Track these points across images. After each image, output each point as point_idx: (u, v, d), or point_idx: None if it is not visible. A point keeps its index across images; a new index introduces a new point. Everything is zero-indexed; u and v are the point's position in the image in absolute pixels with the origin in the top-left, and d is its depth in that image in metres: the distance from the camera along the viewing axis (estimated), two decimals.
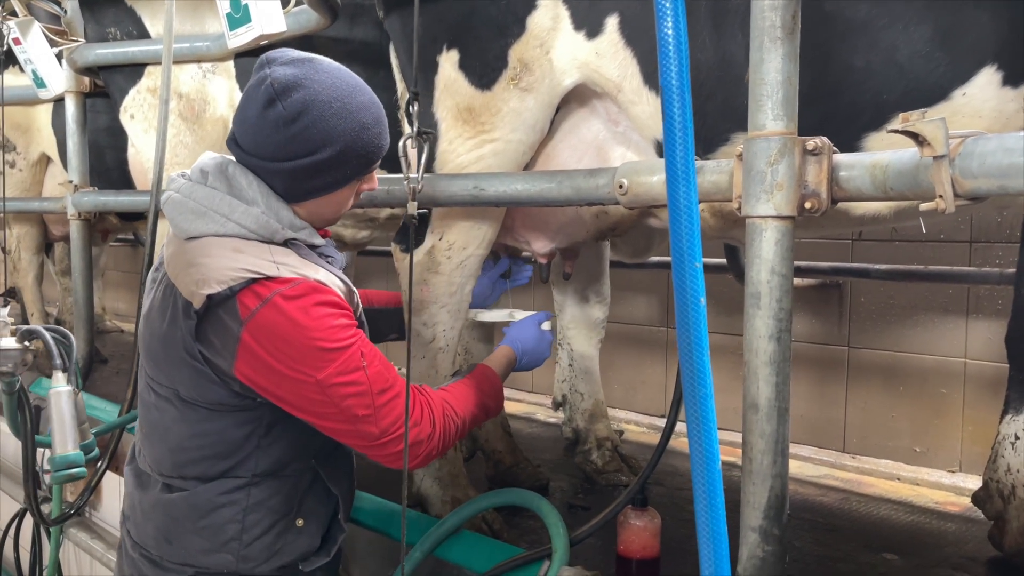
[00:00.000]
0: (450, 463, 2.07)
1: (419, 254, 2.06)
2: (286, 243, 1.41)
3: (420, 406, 1.44)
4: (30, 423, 2.07)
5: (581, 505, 2.37)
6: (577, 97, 1.94)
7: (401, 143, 1.40)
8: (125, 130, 3.10)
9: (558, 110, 1.94)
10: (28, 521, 3.32)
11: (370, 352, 1.38)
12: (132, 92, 2.97)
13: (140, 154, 3.06)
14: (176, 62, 2.71)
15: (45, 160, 4.13)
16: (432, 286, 2.02)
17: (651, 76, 1.72)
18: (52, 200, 3.68)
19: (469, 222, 1.99)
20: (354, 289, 1.50)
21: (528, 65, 1.86)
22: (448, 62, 1.96)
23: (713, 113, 1.65)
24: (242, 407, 1.40)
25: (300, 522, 1.49)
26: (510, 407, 3.37)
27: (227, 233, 1.37)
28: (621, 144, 1.94)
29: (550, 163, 2.02)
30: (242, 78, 2.81)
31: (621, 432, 3.04)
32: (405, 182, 1.32)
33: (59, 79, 3.16)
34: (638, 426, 3.53)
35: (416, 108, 1.38)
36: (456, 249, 2.00)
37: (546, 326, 1.89)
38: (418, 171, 1.38)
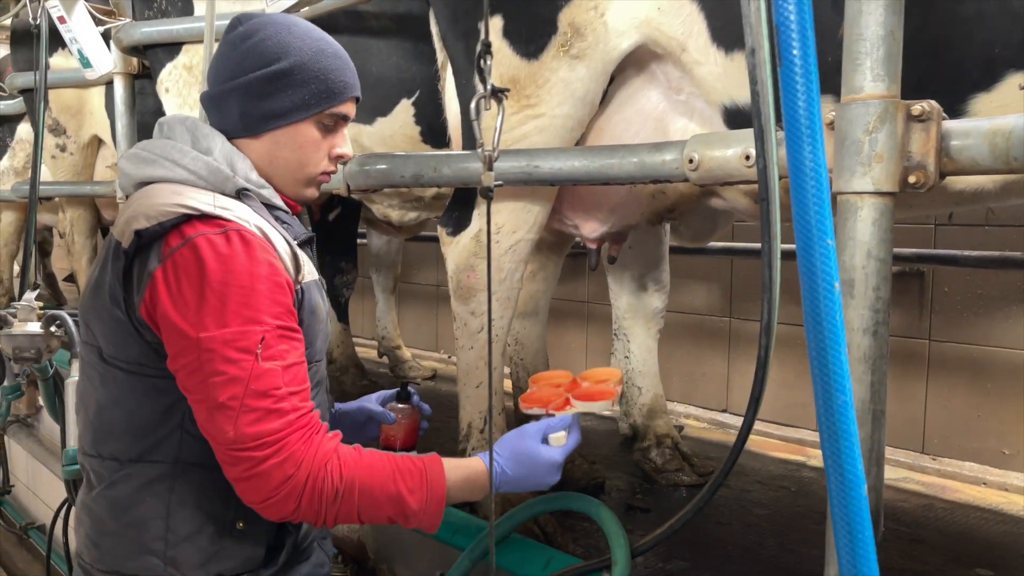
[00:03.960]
0: None
1: (465, 238, 1.92)
2: (238, 195, 1.25)
3: (300, 440, 1.15)
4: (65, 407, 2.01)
5: (640, 507, 2.22)
6: (633, 63, 1.78)
7: (473, 103, 1.21)
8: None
9: (611, 81, 1.78)
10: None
11: (279, 350, 1.15)
12: (169, 66, 2.91)
13: None
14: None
15: (96, 143, 4.12)
16: (480, 272, 1.88)
17: (719, 32, 1.55)
18: (103, 184, 3.66)
19: (519, 203, 1.85)
20: (303, 264, 1.26)
21: (580, 30, 1.70)
22: (491, 29, 1.81)
23: None
24: (162, 372, 1.20)
25: (240, 525, 1.26)
26: None
27: (174, 179, 1.24)
28: (683, 115, 1.77)
29: (601, 139, 1.87)
30: None
31: (681, 427, 2.88)
32: (479, 149, 1.15)
33: (106, 59, 3.11)
34: (698, 421, 3.35)
35: (489, 63, 1.20)
36: (505, 233, 1.86)
37: (556, 439, 1.34)
38: (495, 136, 1.17)
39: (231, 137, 1.30)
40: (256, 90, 1.27)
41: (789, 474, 2.63)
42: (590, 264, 2.10)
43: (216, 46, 1.38)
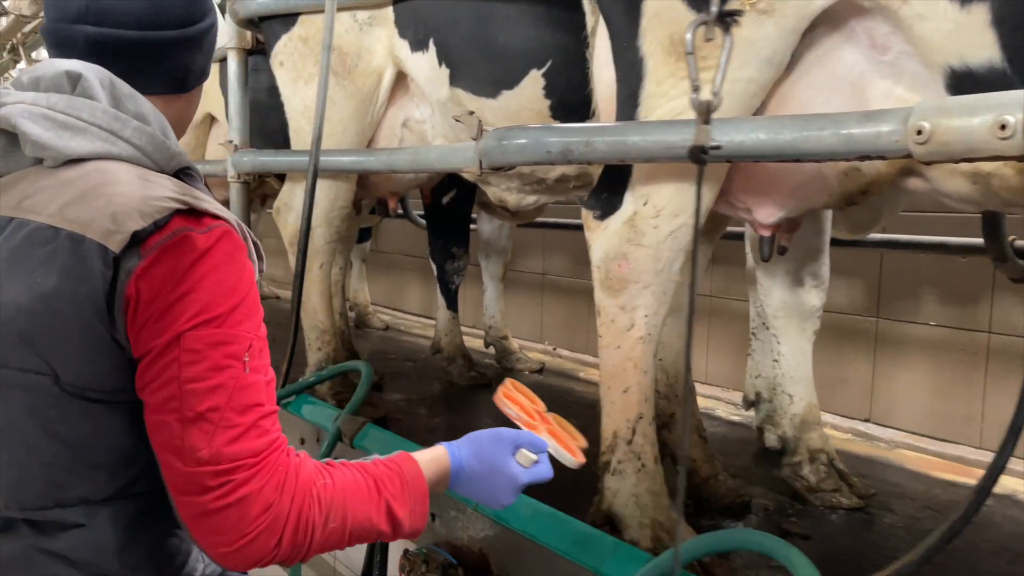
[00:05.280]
0: (650, 477, 1.71)
1: (616, 222, 1.69)
2: (178, 174, 1.10)
3: (282, 462, 1.00)
4: None
5: (798, 533, 1.95)
6: (827, 20, 1.50)
7: (689, 34, 0.97)
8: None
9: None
10: None
11: (262, 363, 1.02)
12: (284, 38, 2.78)
13: (287, 104, 2.86)
14: (339, 9, 2.48)
15: (209, 121, 4.08)
16: (633, 261, 1.65)
17: None
18: (214, 163, 3.59)
19: (683, 183, 1.60)
20: (264, 255, 1.15)
21: None
22: None
23: None
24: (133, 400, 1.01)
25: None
26: None
27: (119, 155, 1.04)
28: (887, 77, 1.49)
29: (785, 107, 1.60)
30: (402, 22, 2.53)
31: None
32: (692, 95, 0.91)
33: (223, 32, 3.00)
34: (837, 431, 3.02)
35: None
36: (665, 216, 1.62)
37: (526, 458, 1.20)
38: (719, 77, 0.92)
39: (147, 93, 1.11)
40: (200, 42, 1.17)
41: (960, 499, 2.30)
42: (762, 254, 1.83)
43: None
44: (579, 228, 4.24)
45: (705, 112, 0.91)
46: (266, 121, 3.61)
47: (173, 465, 0.96)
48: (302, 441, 2.88)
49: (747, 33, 1.47)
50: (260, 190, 4.24)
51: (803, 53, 1.55)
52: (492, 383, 3.46)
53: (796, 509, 2.12)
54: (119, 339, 0.98)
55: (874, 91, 1.49)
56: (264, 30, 2.88)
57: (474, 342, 4.07)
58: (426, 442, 2.45)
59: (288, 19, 2.74)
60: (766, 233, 1.77)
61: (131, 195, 0.99)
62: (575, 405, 3.18)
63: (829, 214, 2.23)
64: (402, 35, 2.52)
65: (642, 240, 1.64)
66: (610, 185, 1.73)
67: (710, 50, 1.51)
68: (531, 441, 1.22)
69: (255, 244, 1.11)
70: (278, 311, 5.58)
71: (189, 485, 0.96)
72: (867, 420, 3.17)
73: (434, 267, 3.63)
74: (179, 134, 1.18)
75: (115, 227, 0.96)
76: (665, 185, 1.62)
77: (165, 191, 1.01)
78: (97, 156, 1.04)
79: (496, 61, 2.26)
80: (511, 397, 1.34)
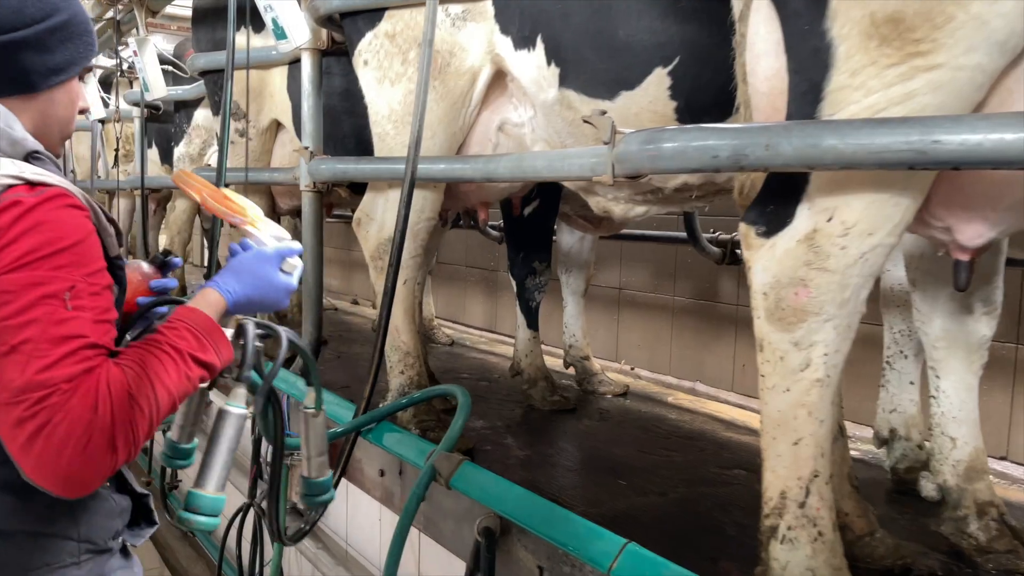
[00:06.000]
0: (828, 548, 1.44)
1: (787, 240, 1.42)
2: (27, 159, 1.17)
3: (96, 394, 1.03)
4: (278, 427, 1.67)
5: None
6: None
7: None
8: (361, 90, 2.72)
9: None
10: (250, 515, 3.09)
11: (91, 303, 1.08)
12: (369, 35, 2.56)
13: (370, 107, 2.64)
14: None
15: (275, 127, 3.90)
16: (815, 289, 1.38)
17: None
18: (284, 170, 3.40)
19: (880, 194, 1.33)
20: (114, 222, 1.23)
21: None
22: None
23: None
24: None
25: None
26: None
27: None
28: None
29: (1007, 103, 1.31)
30: (504, 17, 2.30)
31: None
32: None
33: (303, 29, 2.80)
34: None
35: None
36: (856, 235, 1.35)
37: (291, 266, 1.38)
38: None
39: None
40: (42, 43, 1.22)
41: None
42: (958, 283, 1.54)
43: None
44: (660, 240, 4.04)
45: None
46: (336, 126, 3.41)
47: None
48: (381, 473, 2.65)
49: (978, 10, 1.20)
50: (326, 199, 4.05)
51: None
52: (576, 408, 3.21)
53: (966, 574, 1.82)
54: None
55: None
56: (346, 27, 2.67)
57: (550, 360, 3.82)
58: (519, 480, 2.23)
59: (374, 15, 2.52)
60: (965, 257, 1.48)
61: None
62: (672, 436, 2.91)
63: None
64: (504, 31, 2.28)
65: (826, 263, 1.36)
66: (778, 196, 1.46)
67: (926, 32, 1.24)
68: (290, 250, 1.38)
69: (111, 221, 1.21)
70: (343, 325, 5.41)
71: (8, 417, 1.00)
72: (1003, 458, 2.84)
73: (513, 283, 3.38)
74: (54, 131, 1.28)
75: None
76: (856, 196, 1.34)
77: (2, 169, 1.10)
78: None
79: (615, 59, 2.01)
80: (229, 208, 1.45)
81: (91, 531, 1.22)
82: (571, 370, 3.65)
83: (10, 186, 1.08)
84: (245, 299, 1.31)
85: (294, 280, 1.38)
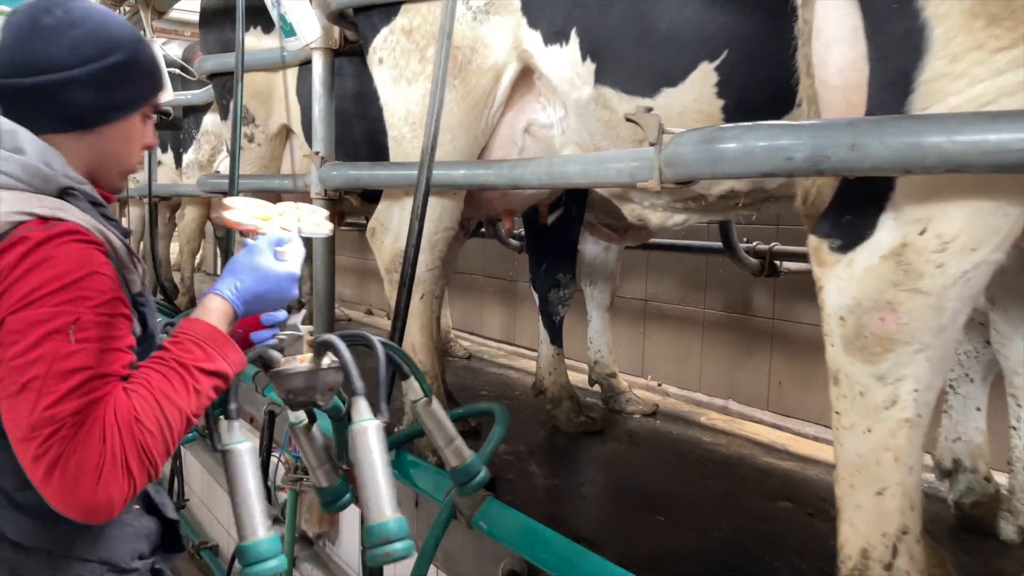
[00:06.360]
0: None
1: (869, 256, 1.22)
2: (62, 195, 1.19)
3: (103, 424, 1.05)
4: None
5: None
6: None
7: None
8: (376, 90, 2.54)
9: None
10: None
11: (97, 333, 1.09)
12: (384, 32, 2.38)
13: (386, 108, 2.46)
14: None
15: (285, 133, 3.73)
16: (905, 314, 1.17)
17: None
18: (292, 177, 3.23)
19: (985, 202, 1.12)
20: (140, 262, 1.27)
21: None
22: None
23: None
24: None
25: None
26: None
27: None
28: None
29: None
30: (533, 10, 2.11)
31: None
32: None
33: (313, 26, 2.63)
34: None
35: None
36: (956, 250, 1.14)
37: (287, 252, 1.34)
38: None
39: (42, 132, 1.21)
40: (97, 82, 1.23)
41: None
42: None
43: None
44: (688, 249, 3.83)
45: None
46: (348, 131, 3.23)
47: (14, 436, 1.05)
48: None
49: None
50: (337, 207, 3.87)
51: None
52: (604, 430, 3.00)
53: None
54: None
55: None
56: (360, 23, 2.49)
57: (573, 375, 3.62)
58: (547, 516, 2.04)
59: (389, 9, 2.35)
60: None
61: None
62: (709, 462, 2.70)
63: None
64: (532, 25, 2.09)
65: (919, 284, 1.16)
66: (856, 204, 1.26)
67: None
68: (279, 239, 1.34)
69: (135, 259, 1.24)
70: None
71: (26, 452, 1.04)
72: None
73: (536, 296, 3.18)
74: (111, 167, 1.30)
75: None
76: (955, 205, 1.14)
77: (15, 207, 1.11)
78: None
79: (657, 53, 1.82)
80: (245, 219, 1.40)
81: (112, 554, 1.24)
82: (596, 387, 3.45)
83: (20, 223, 1.11)
84: (251, 295, 1.28)
85: (293, 266, 1.33)
